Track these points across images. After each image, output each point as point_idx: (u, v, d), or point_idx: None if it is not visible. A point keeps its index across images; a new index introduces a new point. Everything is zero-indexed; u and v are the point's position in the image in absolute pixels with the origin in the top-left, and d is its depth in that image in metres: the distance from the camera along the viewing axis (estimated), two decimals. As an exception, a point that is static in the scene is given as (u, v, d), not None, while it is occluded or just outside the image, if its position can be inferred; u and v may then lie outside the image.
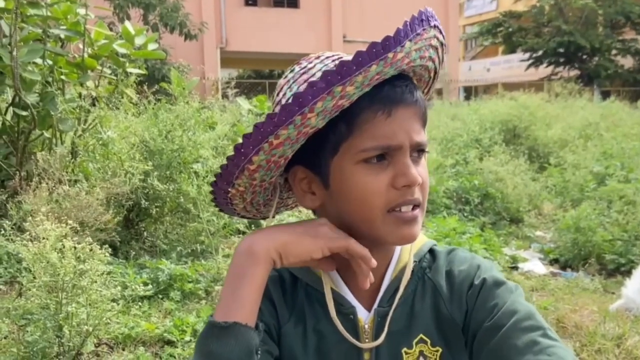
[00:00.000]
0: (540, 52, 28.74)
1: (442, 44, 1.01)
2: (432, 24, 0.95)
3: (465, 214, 6.66)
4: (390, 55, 0.90)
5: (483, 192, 6.90)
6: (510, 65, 32.03)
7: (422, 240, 1.11)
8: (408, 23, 0.92)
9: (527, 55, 29.30)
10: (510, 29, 29.78)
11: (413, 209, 0.98)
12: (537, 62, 29.26)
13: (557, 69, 28.98)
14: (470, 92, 33.03)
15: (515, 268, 5.28)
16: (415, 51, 0.94)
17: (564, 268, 5.36)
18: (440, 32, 0.99)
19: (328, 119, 0.94)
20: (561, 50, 28.01)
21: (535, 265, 5.40)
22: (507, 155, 7.91)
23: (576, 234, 5.36)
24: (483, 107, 12.33)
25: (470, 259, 1.08)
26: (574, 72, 28.52)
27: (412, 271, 1.07)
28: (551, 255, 5.61)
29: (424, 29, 0.93)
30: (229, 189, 1.04)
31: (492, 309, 0.99)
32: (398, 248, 1.08)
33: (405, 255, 1.08)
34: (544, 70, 29.30)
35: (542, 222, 6.86)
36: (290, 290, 1.08)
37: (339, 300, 1.05)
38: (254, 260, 0.94)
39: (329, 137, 0.97)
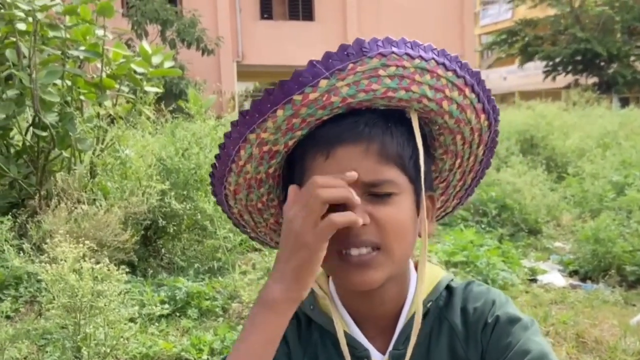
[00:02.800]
0: (557, 60, 28.57)
1: (424, 70, 0.90)
2: (370, 54, 0.87)
3: (483, 226, 6.63)
4: (298, 97, 0.88)
5: (501, 204, 6.86)
6: (527, 74, 31.83)
7: (438, 277, 1.07)
8: (315, 62, 0.87)
9: (544, 63, 29.13)
10: (526, 38, 29.63)
11: (371, 251, 0.93)
12: (554, 71, 29.06)
13: (575, 77, 28.77)
14: (487, 101, 32.83)
15: (535, 280, 5.24)
16: (347, 86, 0.88)
17: (583, 280, 5.30)
18: (411, 57, 0.89)
19: (272, 164, 0.97)
20: (578, 57, 27.80)
21: (554, 277, 5.36)
22: (525, 165, 7.86)
23: (596, 245, 5.31)
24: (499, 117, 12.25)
25: (485, 293, 1.05)
26: (592, 80, 28.29)
27: (428, 311, 1.04)
28: (570, 266, 5.56)
29: (353, 62, 0.86)
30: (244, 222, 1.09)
31: (505, 348, 0.96)
32: (412, 287, 1.05)
33: (420, 295, 1.03)
34: (561, 78, 29.09)
35: (560, 234, 6.80)
36: (305, 330, 1.07)
37: (352, 343, 1.02)
38: (271, 310, 0.91)
39: (295, 178, 0.98)
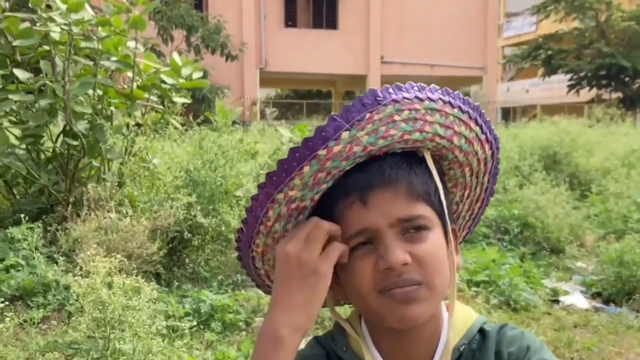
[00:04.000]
0: (581, 74, 28.33)
1: (434, 110, 0.95)
2: (384, 102, 0.92)
3: (505, 244, 6.59)
4: (322, 152, 0.91)
5: (523, 222, 6.82)
6: (550, 87, 31.59)
7: (471, 319, 1.08)
8: (335, 116, 0.91)
9: (567, 76, 28.89)
10: (550, 52, 29.41)
11: (415, 287, 0.95)
12: (578, 85, 28.82)
13: (599, 92, 28.51)
14: (508, 114, 32.69)
15: (556, 301, 5.20)
16: (367, 135, 0.92)
17: (606, 302, 5.25)
18: (421, 99, 0.94)
19: (299, 221, 0.99)
20: (603, 72, 27.55)
21: (577, 298, 5.31)
22: (548, 183, 7.80)
23: (620, 268, 5.26)
24: (522, 133, 12.19)
25: (519, 338, 1.05)
26: (616, 95, 28.00)
27: (461, 354, 1.04)
28: (593, 288, 5.51)
29: (370, 111, 0.91)
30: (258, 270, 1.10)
31: None
32: (445, 329, 1.06)
33: (455, 337, 1.04)
34: (584, 92, 28.84)
35: (583, 254, 6.74)
36: None
37: None
38: (279, 345, 0.92)
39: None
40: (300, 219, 0.99)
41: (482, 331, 1.07)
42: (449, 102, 0.97)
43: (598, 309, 5.02)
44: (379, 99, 0.92)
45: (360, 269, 0.96)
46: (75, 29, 4.21)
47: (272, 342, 0.92)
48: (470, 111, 1.00)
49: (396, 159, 0.97)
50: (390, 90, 0.93)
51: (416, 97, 0.94)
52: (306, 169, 0.92)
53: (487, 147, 1.05)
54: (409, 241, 0.95)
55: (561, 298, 5.27)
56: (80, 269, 2.76)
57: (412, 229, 0.96)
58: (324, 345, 1.08)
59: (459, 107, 0.98)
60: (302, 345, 1.08)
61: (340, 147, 0.91)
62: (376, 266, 0.95)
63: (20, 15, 4.41)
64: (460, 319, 1.06)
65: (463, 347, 1.04)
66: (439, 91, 0.97)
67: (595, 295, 5.43)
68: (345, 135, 0.91)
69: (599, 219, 7.45)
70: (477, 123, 1.01)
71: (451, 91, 0.98)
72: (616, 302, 5.17)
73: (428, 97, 0.95)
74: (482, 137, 1.03)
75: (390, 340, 1.03)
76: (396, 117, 0.93)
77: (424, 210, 0.97)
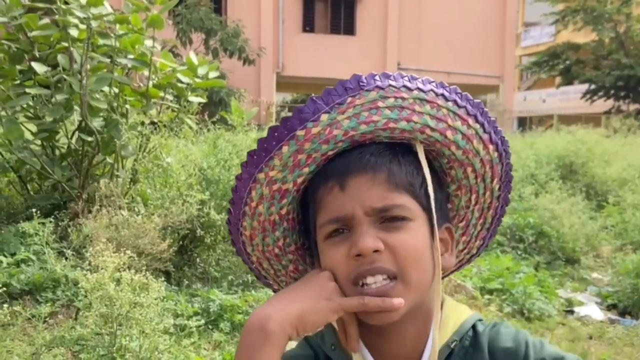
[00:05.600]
0: (599, 85, 28.11)
1: (423, 100, 0.92)
2: (367, 88, 0.90)
3: (519, 252, 6.52)
4: (301, 132, 0.90)
5: (538, 230, 6.74)
6: (567, 97, 31.34)
7: (464, 316, 1.03)
8: (315, 98, 0.90)
9: (585, 87, 28.67)
10: (568, 61, 29.21)
11: (388, 281, 0.91)
12: (595, 96, 28.59)
13: (616, 103, 28.26)
14: (524, 123, 32.47)
15: (571, 312, 5.12)
16: (348, 119, 0.90)
17: (622, 314, 5.17)
18: (409, 89, 0.91)
19: (283, 204, 0.97)
20: (621, 83, 27.32)
21: (592, 310, 5.23)
22: (564, 192, 7.71)
23: (636, 280, 5.18)
24: (539, 142, 12.10)
25: (514, 334, 1.01)
26: (634, 107, 27.75)
27: (452, 351, 1.00)
28: (609, 300, 5.43)
29: (352, 96, 0.90)
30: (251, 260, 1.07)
31: None
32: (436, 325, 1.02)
33: (445, 334, 1.00)
34: (602, 103, 28.59)
35: (599, 265, 6.65)
36: None
37: None
38: (267, 340, 0.87)
39: (310, 220, 1.00)
40: (283, 202, 0.97)
41: (474, 328, 1.03)
42: (442, 95, 0.93)
43: (613, 321, 4.95)
44: (362, 84, 0.90)
45: (335, 255, 0.94)
46: (94, 24, 4.23)
47: (260, 334, 0.88)
48: (469, 107, 0.95)
49: (380, 147, 0.95)
50: (377, 77, 0.91)
51: (404, 86, 0.92)
52: (285, 148, 0.91)
53: (491, 147, 0.99)
54: (384, 230, 0.93)
55: (576, 309, 5.20)
56: (89, 264, 2.75)
57: (389, 219, 0.93)
58: (312, 346, 1.04)
59: (454, 102, 0.94)
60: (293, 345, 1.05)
61: (319, 129, 0.90)
62: (349, 254, 0.92)
63: (39, 5, 4.42)
64: (452, 316, 1.02)
65: (454, 343, 1.00)
66: (433, 83, 0.94)
67: (611, 307, 5.36)
68: (324, 117, 0.90)
69: (616, 230, 7.37)
70: (477, 121, 0.96)
71: (447, 85, 0.95)
72: (632, 314, 5.09)
73: (418, 87, 0.92)
74: (485, 136, 0.98)
75: (376, 338, 0.99)
76: (380, 104, 0.91)
77: (403, 201, 0.93)
